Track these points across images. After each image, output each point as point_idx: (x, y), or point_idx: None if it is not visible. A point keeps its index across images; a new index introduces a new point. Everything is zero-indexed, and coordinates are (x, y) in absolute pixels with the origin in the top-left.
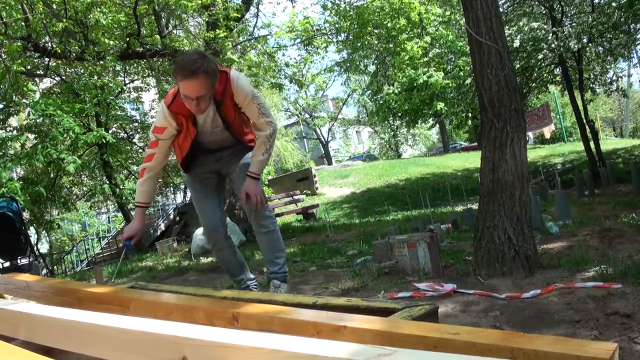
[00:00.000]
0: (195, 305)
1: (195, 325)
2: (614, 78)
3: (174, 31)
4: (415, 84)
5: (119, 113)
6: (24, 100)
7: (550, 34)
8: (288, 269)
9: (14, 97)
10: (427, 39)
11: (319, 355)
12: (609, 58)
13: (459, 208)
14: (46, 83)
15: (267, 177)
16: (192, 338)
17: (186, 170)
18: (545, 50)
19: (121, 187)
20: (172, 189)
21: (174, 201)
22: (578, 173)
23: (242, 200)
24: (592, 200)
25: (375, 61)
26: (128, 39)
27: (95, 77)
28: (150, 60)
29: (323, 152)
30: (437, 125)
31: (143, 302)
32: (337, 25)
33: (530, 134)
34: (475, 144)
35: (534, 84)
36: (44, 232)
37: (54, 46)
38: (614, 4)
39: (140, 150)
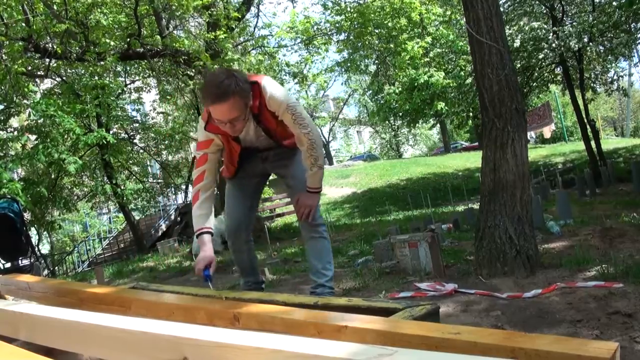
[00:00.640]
0: (196, 306)
1: (196, 325)
2: (615, 77)
3: (175, 32)
4: (416, 84)
5: (119, 114)
6: (25, 101)
7: (551, 34)
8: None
9: (15, 97)
10: (428, 38)
11: (320, 355)
12: (609, 57)
13: (460, 208)
14: (47, 84)
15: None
16: (192, 338)
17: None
18: (546, 50)
19: (122, 187)
20: (173, 189)
21: (175, 202)
22: (579, 172)
23: (297, 210)
24: (593, 199)
25: (376, 61)
26: (129, 39)
27: (96, 78)
28: (151, 60)
29: (324, 152)
30: (438, 125)
31: (144, 302)
32: (337, 25)
33: (531, 134)
34: (476, 143)
35: (534, 84)
36: (45, 232)
37: (55, 47)
38: (614, 3)
39: (141, 151)
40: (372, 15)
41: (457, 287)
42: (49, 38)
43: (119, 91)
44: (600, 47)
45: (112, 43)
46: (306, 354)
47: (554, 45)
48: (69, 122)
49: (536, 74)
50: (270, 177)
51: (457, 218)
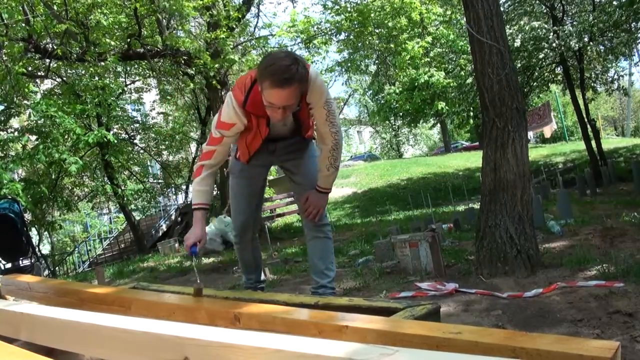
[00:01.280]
0: (197, 306)
1: (197, 325)
2: (615, 77)
3: (175, 32)
4: (416, 84)
5: (120, 114)
6: (25, 102)
7: (551, 33)
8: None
9: (15, 98)
10: (428, 38)
11: (322, 355)
12: (610, 57)
13: (461, 208)
14: (47, 84)
15: (269, 177)
16: (193, 338)
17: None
18: (546, 49)
19: (123, 187)
20: (173, 189)
21: (176, 202)
22: (580, 172)
23: (302, 209)
24: (594, 199)
25: (376, 61)
26: (129, 39)
27: (97, 78)
28: (151, 60)
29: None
30: (439, 124)
31: (145, 302)
32: (337, 25)
33: (531, 133)
34: (477, 143)
35: (535, 83)
36: (45, 233)
37: (55, 47)
38: (614, 3)
39: (141, 151)
40: (372, 15)
41: (458, 286)
42: (49, 38)
43: (119, 91)
44: (601, 47)
45: (112, 43)
46: (307, 353)
47: (554, 44)
48: (69, 123)
49: (536, 74)
50: (270, 177)
51: (458, 218)
